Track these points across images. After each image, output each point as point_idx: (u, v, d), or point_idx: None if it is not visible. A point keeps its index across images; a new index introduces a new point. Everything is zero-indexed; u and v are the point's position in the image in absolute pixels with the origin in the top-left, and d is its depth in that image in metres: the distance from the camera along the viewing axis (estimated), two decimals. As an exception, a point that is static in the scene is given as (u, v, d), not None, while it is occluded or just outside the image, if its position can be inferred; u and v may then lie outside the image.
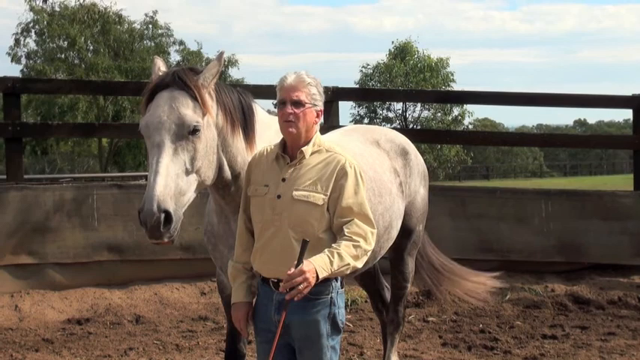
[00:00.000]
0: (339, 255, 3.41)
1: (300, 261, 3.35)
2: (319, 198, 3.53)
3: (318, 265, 3.36)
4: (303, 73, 3.61)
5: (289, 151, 3.64)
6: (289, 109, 3.54)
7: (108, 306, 7.69)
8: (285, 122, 3.56)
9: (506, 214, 8.97)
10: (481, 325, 7.34)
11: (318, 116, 3.62)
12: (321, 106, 3.63)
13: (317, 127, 3.66)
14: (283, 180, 3.58)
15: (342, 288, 3.65)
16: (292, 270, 3.33)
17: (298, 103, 3.54)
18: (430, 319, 7.61)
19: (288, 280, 3.33)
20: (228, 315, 4.18)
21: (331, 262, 3.39)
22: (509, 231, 8.91)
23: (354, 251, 3.46)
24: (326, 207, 3.53)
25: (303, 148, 3.59)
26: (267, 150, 3.72)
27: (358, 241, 3.48)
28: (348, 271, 3.50)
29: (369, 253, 3.56)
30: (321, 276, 3.36)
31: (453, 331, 7.17)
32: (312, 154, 3.61)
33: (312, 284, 3.35)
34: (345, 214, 3.52)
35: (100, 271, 8.08)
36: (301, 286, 3.33)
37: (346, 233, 3.48)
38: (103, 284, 8.03)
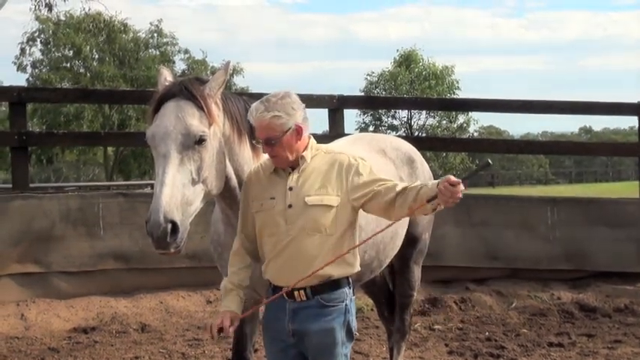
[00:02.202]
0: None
1: (471, 176, 3.35)
2: (334, 199, 3.51)
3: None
4: (263, 106, 3.50)
5: None
6: (266, 148, 3.53)
7: (114, 314, 7.69)
8: (269, 156, 3.58)
9: (511, 222, 8.96)
10: (487, 333, 7.32)
11: (299, 132, 3.53)
12: (296, 120, 3.51)
13: (306, 134, 3.58)
14: (290, 189, 3.56)
15: (353, 295, 3.63)
16: (460, 183, 3.28)
17: (269, 141, 3.50)
18: (436, 327, 7.60)
19: (456, 185, 3.28)
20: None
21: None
22: (514, 239, 8.90)
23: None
24: (341, 206, 3.51)
25: (303, 153, 3.57)
26: (261, 166, 3.70)
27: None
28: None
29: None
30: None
31: (459, 339, 7.15)
32: (313, 157, 3.61)
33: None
34: (382, 189, 3.50)
35: (105, 279, 8.07)
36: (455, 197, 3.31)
37: (400, 189, 3.47)
38: (109, 293, 8.02)
